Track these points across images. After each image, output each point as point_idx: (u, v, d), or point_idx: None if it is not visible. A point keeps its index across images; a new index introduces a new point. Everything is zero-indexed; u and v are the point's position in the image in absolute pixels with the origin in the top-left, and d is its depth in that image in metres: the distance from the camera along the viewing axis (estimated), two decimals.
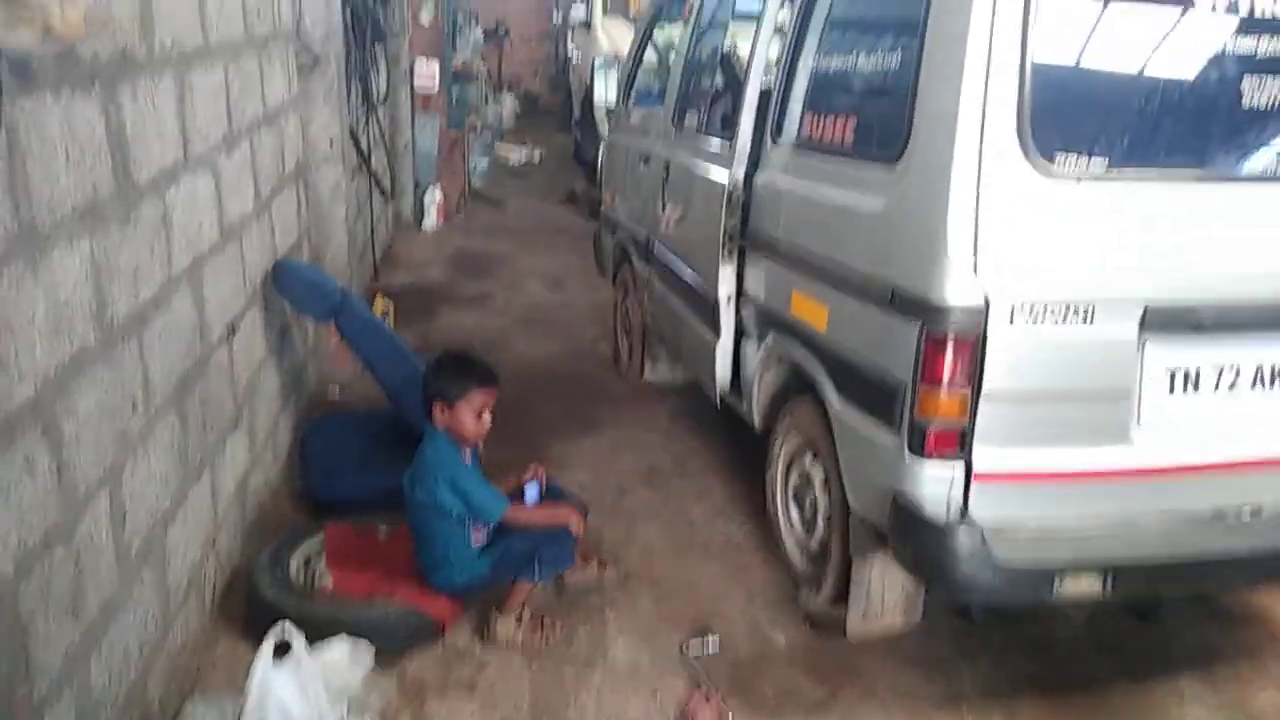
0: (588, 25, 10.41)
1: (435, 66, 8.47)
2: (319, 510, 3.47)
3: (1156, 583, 2.55)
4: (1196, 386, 2.53)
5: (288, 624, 2.11)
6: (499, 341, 5.73)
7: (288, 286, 3.64)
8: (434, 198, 8.47)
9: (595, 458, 4.27)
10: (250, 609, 2.85)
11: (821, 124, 3.03)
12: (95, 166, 2.07)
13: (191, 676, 2.64)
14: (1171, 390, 2.51)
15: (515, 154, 12.57)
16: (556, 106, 15.74)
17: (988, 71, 2.29)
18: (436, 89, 8.48)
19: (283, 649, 2.11)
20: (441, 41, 8.59)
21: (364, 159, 6.07)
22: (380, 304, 5.47)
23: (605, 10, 10.02)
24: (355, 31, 5.66)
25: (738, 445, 4.06)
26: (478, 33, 13.49)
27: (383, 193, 6.62)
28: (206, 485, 2.85)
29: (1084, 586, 2.42)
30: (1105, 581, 2.42)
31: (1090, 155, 2.37)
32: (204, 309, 2.84)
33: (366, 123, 6.29)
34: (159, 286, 2.45)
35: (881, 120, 2.71)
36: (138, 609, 2.26)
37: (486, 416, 2.95)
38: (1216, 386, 2.54)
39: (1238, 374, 2.55)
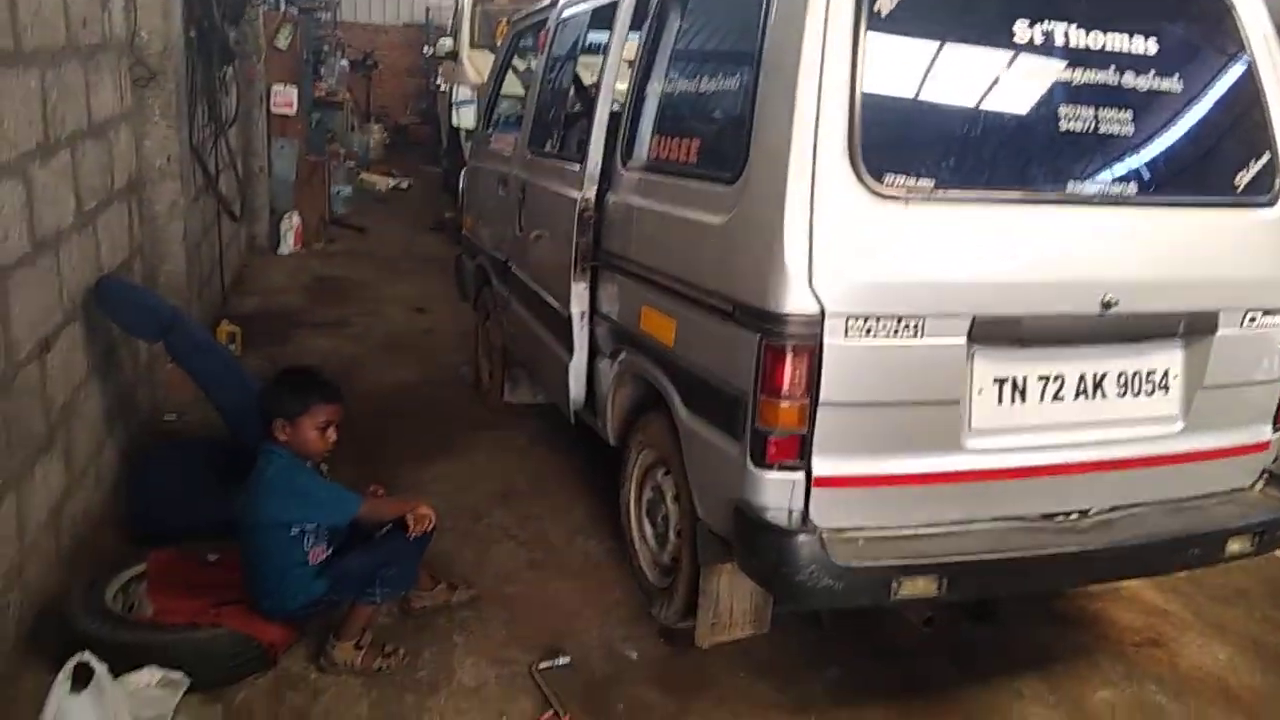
0: (455, 56, 10.33)
1: (293, 92, 8.27)
2: (145, 542, 3.25)
3: (989, 583, 2.63)
4: (1024, 396, 2.64)
5: (87, 651, 1.94)
6: (354, 368, 5.56)
7: (112, 305, 3.43)
8: (291, 223, 8.21)
9: (450, 482, 4.16)
10: (61, 640, 2.63)
11: (668, 146, 3.07)
12: None
13: None
14: (1000, 400, 2.62)
15: (382, 182, 12.36)
16: (426, 138, 15.60)
17: (819, 96, 2.37)
18: (294, 114, 8.27)
19: (85, 677, 1.94)
20: (299, 67, 8.39)
21: (211, 180, 5.82)
22: (225, 329, 5.23)
23: (472, 42, 9.96)
24: (201, 50, 5.44)
25: (599, 464, 4.02)
26: (344, 63, 13.29)
27: (231, 215, 6.36)
28: (10, 510, 2.63)
29: (920, 588, 2.47)
30: (940, 583, 2.49)
31: (918, 177, 2.46)
32: (9, 324, 2.64)
33: (215, 144, 6.05)
34: None
35: (723, 141, 2.76)
36: None
37: (331, 432, 2.85)
38: (1042, 396, 2.66)
39: (1062, 384, 2.67)
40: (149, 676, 2.14)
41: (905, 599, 2.49)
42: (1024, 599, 3.37)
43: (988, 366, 2.57)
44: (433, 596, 3.17)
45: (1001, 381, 2.60)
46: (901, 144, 2.52)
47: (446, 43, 10.95)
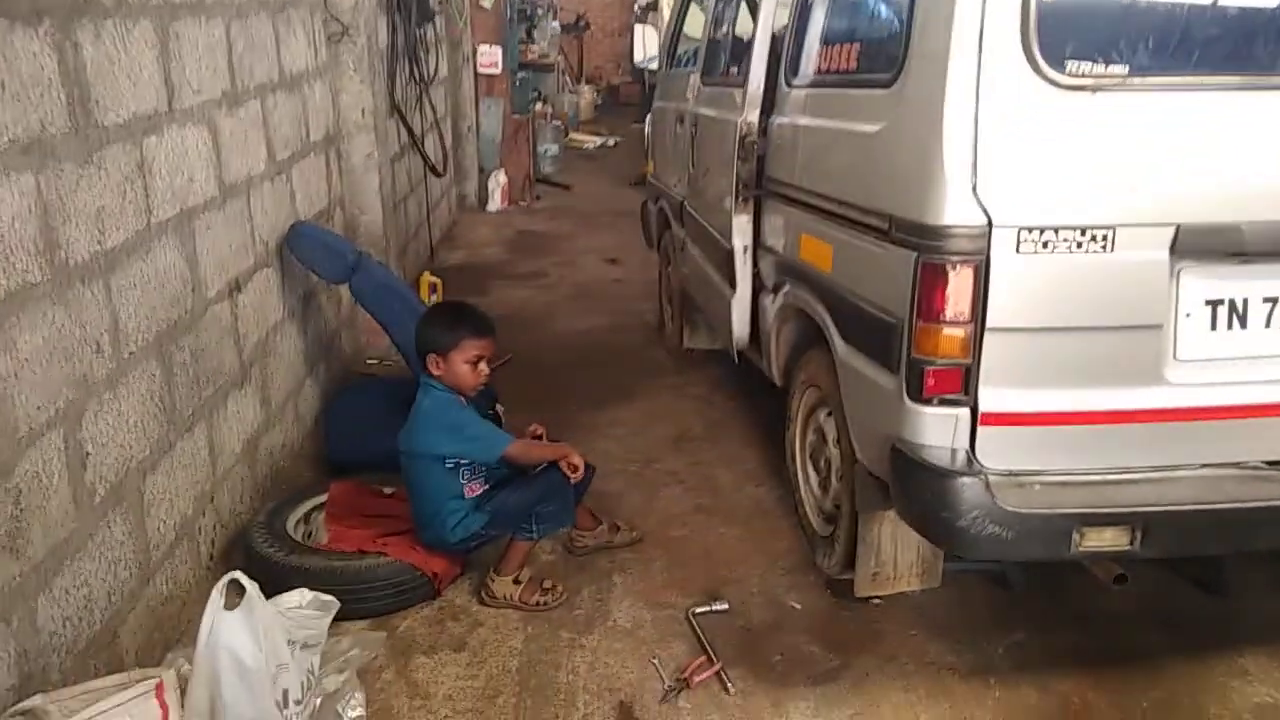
0: (655, 7, 10.28)
1: (498, 51, 8.49)
2: (336, 473, 3.44)
3: (1196, 539, 2.26)
4: (1244, 321, 2.24)
5: (239, 572, 2.05)
6: (546, 316, 5.67)
7: (300, 246, 3.62)
8: (498, 181, 8.49)
9: (626, 426, 4.15)
10: (246, 563, 2.82)
11: (830, 56, 2.84)
12: (43, 103, 2.04)
13: (180, 628, 2.61)
14: (1214, 325, 2.24)
15: (590, 140, 12.57)
16: (636, 98, 15.69)
17: None
18: (499, 73, 8.50)
19: (239, 594, 2.05)
20: (503, 26, 8.60)
21: (413, 137, 6.07)
22: (428, 280, 5.46)
23: None
24: (400, 8, 5.65)
25: (775, 410, 3.86)
26: (555, 25, 13.55)
27: (435, 171, 6.62)
28: (201, 439, 2.83)
29: (1108, 540, 2.17)
30: (1134, 535, 2.17)
31: (1108, 62, 2.12)
32: (196, 263, 2.82)
33: (418, 102, 6.30)
34: (133, 233, 2.42)
35: (883, 37, 2.51)
36: (103, 555, 2.23)
37: (483, 366, 2.86)
38: (1269, 321, 2.25)
39: None
40: (299, 598, 2.23)
41: (1091, 552, 2.19)
42: (1256, 565, 2.92)
43: (1198, 285, 2.20)
44: (595, 536, 3.16)
45: (1215, 303, 2.22)
46: (1089, 23, 2.17)
47: None
